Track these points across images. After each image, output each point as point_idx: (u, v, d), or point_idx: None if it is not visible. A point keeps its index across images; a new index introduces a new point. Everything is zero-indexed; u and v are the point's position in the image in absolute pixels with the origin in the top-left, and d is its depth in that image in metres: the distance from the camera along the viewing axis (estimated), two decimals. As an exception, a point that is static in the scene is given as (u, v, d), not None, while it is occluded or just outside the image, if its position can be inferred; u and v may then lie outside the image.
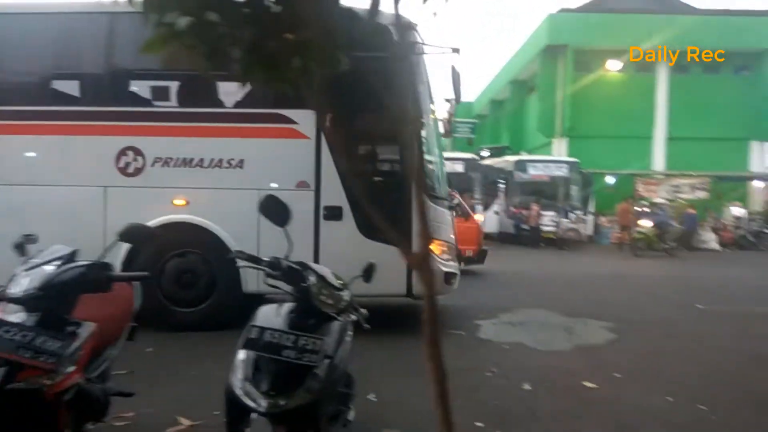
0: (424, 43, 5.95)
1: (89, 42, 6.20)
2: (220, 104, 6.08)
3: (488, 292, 8.89)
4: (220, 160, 5.97)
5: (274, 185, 5.88)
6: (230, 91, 5.98)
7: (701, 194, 21.43)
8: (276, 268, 2.35)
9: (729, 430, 3.67)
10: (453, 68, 6.01)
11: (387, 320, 6.07)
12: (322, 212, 5.91)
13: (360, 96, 5.04)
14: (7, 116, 6.01)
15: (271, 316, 2.36)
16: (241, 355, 2.21)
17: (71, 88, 6.12)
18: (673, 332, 6.47)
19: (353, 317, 2.66)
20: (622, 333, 6.31)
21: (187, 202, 5.98)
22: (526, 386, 4.39)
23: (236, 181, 5.97)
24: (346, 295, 2.54)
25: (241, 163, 5.98)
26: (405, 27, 5.48)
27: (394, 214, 5.18)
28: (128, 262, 5.65)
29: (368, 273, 2.78)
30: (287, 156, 6.02)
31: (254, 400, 2.08)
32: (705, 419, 3.83)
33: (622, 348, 5.75)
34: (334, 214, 5.89)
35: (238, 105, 6.05)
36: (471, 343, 5.83)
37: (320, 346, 2.13)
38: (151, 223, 5.45)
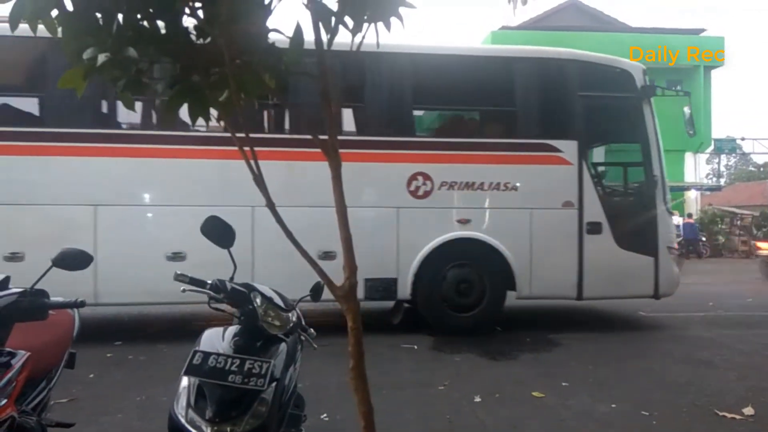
0: (662, 87, 7.29)
1: (392, 82, 6.85)
2: (497, 135, 7.14)
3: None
4: (498, 184, 6.82)
5: (544, 204, 6.89)
6: (505, 124, 7.12)
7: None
8: (220, 290, 2.31)
9: (669, 434, 3.81)
10: (689, 108, 7.31)
11: (342, 337, 6.05)
12: (585, 227, 6.88)
13: (611, 129, 7.12)
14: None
15: (215, 340, 2.31)
16: (184, 381, 2.15)
17: (376, 120, 6.88)
18: (618, 339, 6.69)
19: (302, 337, 2.64)
20: (569, 342, 6.49)
21: (470, 221, 6.77)
22: (477, 398, 4.45)
23: (511, 201, 6.84)
24: (293, 315, 2.51)
25: (515, 186, 6.85)
26: (643, 72, 7.16)
27: (643, 226, 6.97)
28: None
29: (316, 292, 2.76)
30: (554, 179, 6.93)
31: (198, 428, 2.03)
32: (647, 425, 3.97)
33: (569, 357, 5.90)
34: (595, 228, 6.89)
35: (511, 136, 7.07)
36: (424, 357, 5.87)
37: (267, 369, 2.10)
38: (438, 240, 6.67)
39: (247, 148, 1.63)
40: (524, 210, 6.82)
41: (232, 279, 2.40)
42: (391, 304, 7.33)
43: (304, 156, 6.31)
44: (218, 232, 2.48)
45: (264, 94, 1.48)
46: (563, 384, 4.86)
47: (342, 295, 1.56)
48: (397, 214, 6.69)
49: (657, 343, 6.45)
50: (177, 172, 6.41)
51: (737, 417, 4.06)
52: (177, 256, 6.16)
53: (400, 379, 5.01)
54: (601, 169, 7.31)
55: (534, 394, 4.57)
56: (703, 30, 23.93)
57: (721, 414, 4.11)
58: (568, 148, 6.88)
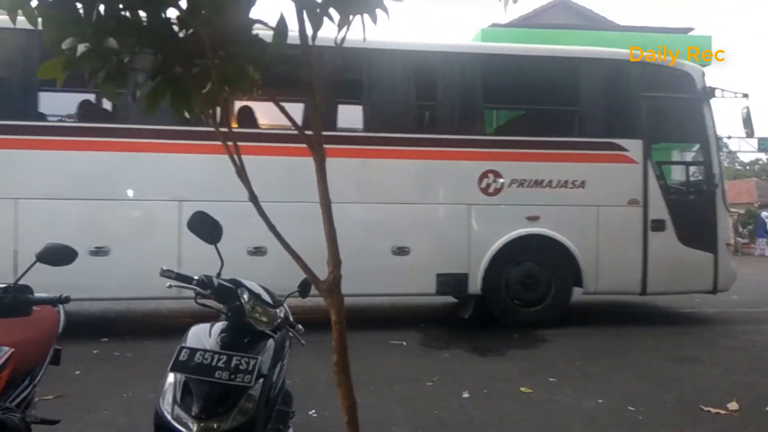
0: (720, 89, 7.41)
1: (465, 82, 7.02)
2: (565, 134, 7.32)
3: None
4: (566, 181, 7.01)
5: (611, 202, 7.08)
6: (573, 123, 7.31)
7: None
8: (207, 286, 2.29)
9: (655, 430, 3.83)
10: (747, 109, 7.42)
11: (325, 332, 6.04)
12: (649, 224, 7.10)
13: (673, 129, 7.40)
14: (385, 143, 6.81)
15: (202, 336, 2.29)
16: (170, 378, 2.13)
17: (448, 119, 7.05)
18: (605, 335, 6.74)
19: (290, 334, 2.62)
20: (556, 338, 6.53)
21: (539, 218, 6.94)
22: (465, 394, 4.47)
23: (579, 199, 7.03)
24: (281, 311, 2.50)
25: (582, 184, 7.03)
26: (702, 74, 7.45)
27: (703, 223, 7.23)
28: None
29: (304, 288, 2.75)
30: (620, 178, 7.12)
31: (185, 425, 2.01)
32: (632, 420, 4.01)
33: (556, 353, 5.94)
34: (659, 225, 7.11)
35: (579, 135, 7.25)
36: (413, 353, 5.88)
37: (254, 365, 2.09)
38: (508, 236, 6.87)
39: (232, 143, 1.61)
40: (591, 207, 7.05)
41: (219, 275, 2.38)
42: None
43: (378, 153, 6.68)
44: (205, 227, 2.46)
45: (248, 87, 1.46)
46: (550, 380, 4.89)
47: (326, 289, 1.54)
48: (469, 210, 6.89)
49: (643, 339, 6.49)
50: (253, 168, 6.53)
51: (722, 412, 4.10)
52: (258, 251, 6.27)
53: (389, 374, 5.01)
54: (663, 167, 7.50)
55: (522, 389, 4.59)
56: (691, 29, 24.12)
57: (706, 409, 4.15)
58: (634, 147, 7.12)
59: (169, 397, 2.10)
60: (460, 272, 6.86)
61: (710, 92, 7.35)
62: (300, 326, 2.64)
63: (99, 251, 6.08)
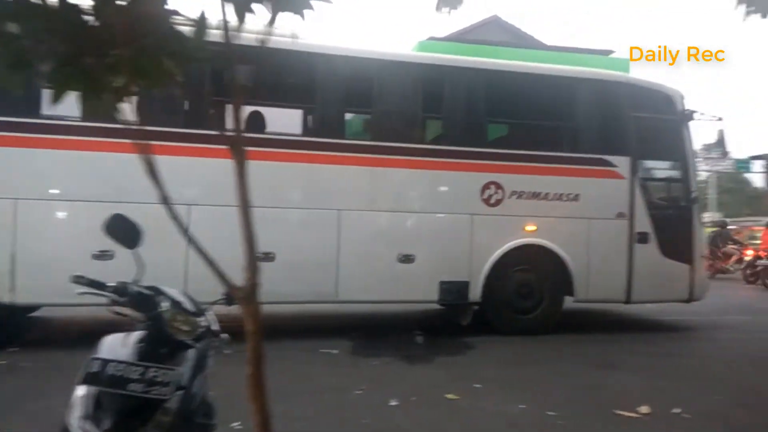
0: (698, 111, 8.06)
1: (470, 98, 7.30)
2: (561, 149, 7.65)
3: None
4: (561, 194, 7.37)
5: (601, 215, 7.49)
6: (568, 139, 7.68)
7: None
8: (123, 293, 2.18)
9: (573, 432, 4.00)
10: (721, 131, 8.19)
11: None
12: (635, 237, 7.54)
13: (656, 148, 7.91)
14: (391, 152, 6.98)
15: (116, 346, 2.17)
16: (80, 390, 2.01)
17: (453, 131, 7.28)
18: (529, 342, 6.96)
19: (215, 342, 2.54)
20: (484, 345, 6.68)
21: (536, 229, 7.28)
22: (394, 402, 4.48)
23: (572, 211, 7.39)
24: (203, 320, 2.41)
25: (576, 197, 7.41)
26: (682, 97, 7.94)
27: (682, 237, 7.73)
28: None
29: (230, 297, 2.67)
30: (609, 192, 7.55)
31: (95, 440, 1.91)
32: (552, 425, 4.15)
33: (483, 359, 6.07)
34: (643, 238, 7.57)
35: (574, 150, 7.59)
36: (343, 361, 5.84)
37: (172, 377, 2.00)
38: (507, 246, 7.16)
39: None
40: (583, 219, 7.45)
41: (137, 281, 2.28)
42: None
43: (388, 163, 6.88)
44: (123, 231, 2.35)
45: (166, 82, 1.39)
46: (476, 386, 4.99)
47: (242, 297, 1.48)
48: (471, 220, 7.12)
49: (568, 346, 6.76)
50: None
51: (634, 416, 4.32)
52: (266, 257, 6.25)
53: (318, 384, 4.96)
54: (647, 183, 7.92)
55: (448, 396, 4.66)
56: (611, 51, 25.47)
57: (620, 413, 4.36)
58: (622, 163, 7.56)
59: (78, 411, 1.98)
60: (462, 280, 7.09)
61: (689, 115, 7.92)
62: (225, 335, 2.56)
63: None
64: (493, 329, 7.29)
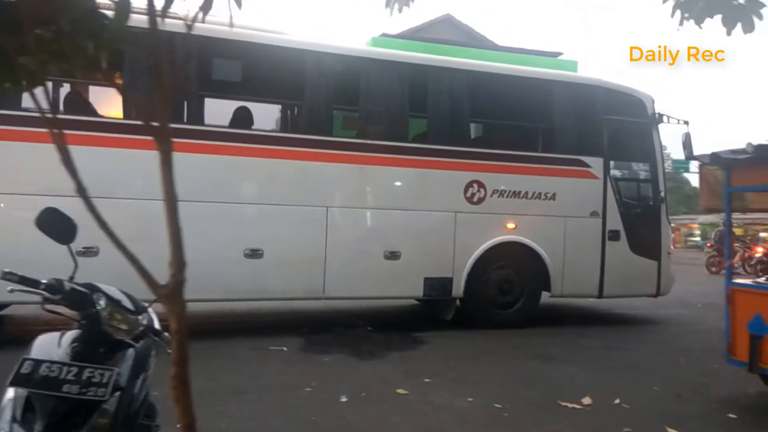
0: (667, 115, 8.28)
1: (454, 98, 7.38)
2: (541, 149, 7.91)
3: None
4: (539, 193, 7.60)
5: (576, 213, 7.75)
6: (547, 140, 7.90)
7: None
8: (57, 291, 2.07)
9: (518, 426, 4.08)
10: (687, 134, 7.98)
11: (205, 341, 5.78)
12: (607, 234, 7.83)
13: (627, 150, 8.31)
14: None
15: (50, 346, 2.07)
16: (10, 393, 1.90)
17: (438, 130, 7.37)
18: (477, 337, 7.08)
19: (157, 340, 2.46)
20: (434, 340, 6.75)
21: (516, 226, 7.49)
22: (344, 398, 4.48)
23: (550, 209, 7.62)
24: (144, 318, 2.33)
25: (554, 196, 7.65)
26: (653, 101, 8.28)
27: (650, 234, 8.10)
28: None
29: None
30: (584, 191, 7.82)
31: (25, 445, 1.81)
32: (499, 417, 4.23)
33: (433, 354, 6.13)
34: (614, 235, 7.88)
35: (552, 151, 7.81)
36: (293, 359, 5.79)
37: (109, 377, 1.92)
38: (489, 243, 7.36)
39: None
40: (560, 218, 7.69)
41: (72, 278, 2.18)
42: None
43: (375, 161, 6.94)
44: (56, 226, 2.24)
45: (86, 65, 1.31)
46: (426, 381, 5.04)
47: (166, 295, 1.40)
48: (455, 218, 7.26)
49: (512, 339, 6.91)
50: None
51: (577, 407, 4.46)
52: (255, 253, 6.36)
53: (267, 382, 4.89)
54: (619, 183, 8.20)
55: (398, 391, 4.69)
56: (560, 54, 26.17)
57: (563, 404, 4.49)
58: (596, 164, 7.85)
59: (7, 414, 1.87)
60: (446, 276, 7.24)
61: (659, 118, 8.23)
62: (166, 334, 2.48)
63: None
64: (473, 323, 7.50)
